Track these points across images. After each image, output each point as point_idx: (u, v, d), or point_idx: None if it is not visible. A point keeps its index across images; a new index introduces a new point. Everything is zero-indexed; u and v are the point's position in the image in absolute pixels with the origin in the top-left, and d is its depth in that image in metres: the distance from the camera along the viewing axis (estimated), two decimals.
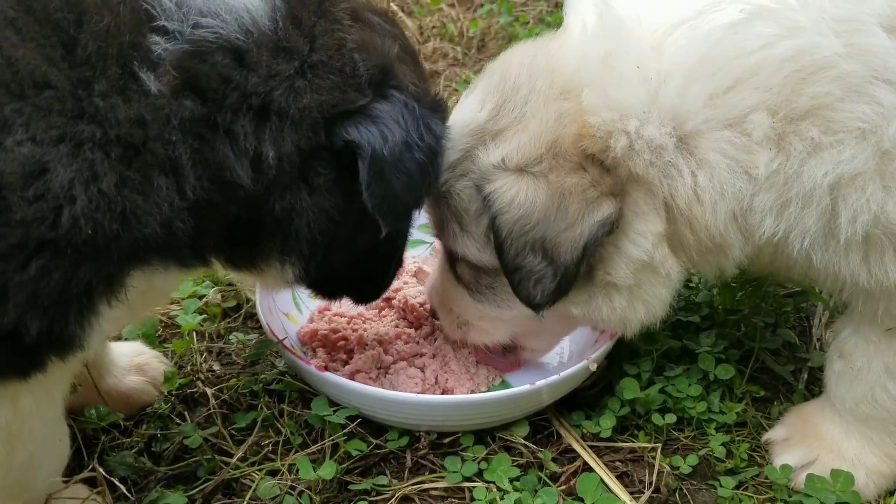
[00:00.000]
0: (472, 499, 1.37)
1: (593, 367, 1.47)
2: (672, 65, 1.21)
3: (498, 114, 1.34)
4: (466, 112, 1.37)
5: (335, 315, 1.71)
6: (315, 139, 1.14)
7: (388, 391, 1.44)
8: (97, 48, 0.99)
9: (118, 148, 0.99)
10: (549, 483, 1.41)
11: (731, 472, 1.46)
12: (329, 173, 1.18)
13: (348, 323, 1.68)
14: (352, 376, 1.54)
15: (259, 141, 1.10)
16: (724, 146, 1.19)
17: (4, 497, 1.20)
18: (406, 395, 1.43)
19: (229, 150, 1.09)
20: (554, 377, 1.42)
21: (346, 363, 1.60)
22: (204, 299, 1.79)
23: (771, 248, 1.27)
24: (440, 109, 1.30)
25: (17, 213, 0.94)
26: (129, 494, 1.35)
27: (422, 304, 1.68)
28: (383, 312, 1.74)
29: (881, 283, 1.21)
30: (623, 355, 1.59)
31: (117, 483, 1.31)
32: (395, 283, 1.77)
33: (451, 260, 1.49)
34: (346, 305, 1.77)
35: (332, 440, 1.40)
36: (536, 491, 1.38)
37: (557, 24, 3.13)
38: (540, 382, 1.41)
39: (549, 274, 1.29)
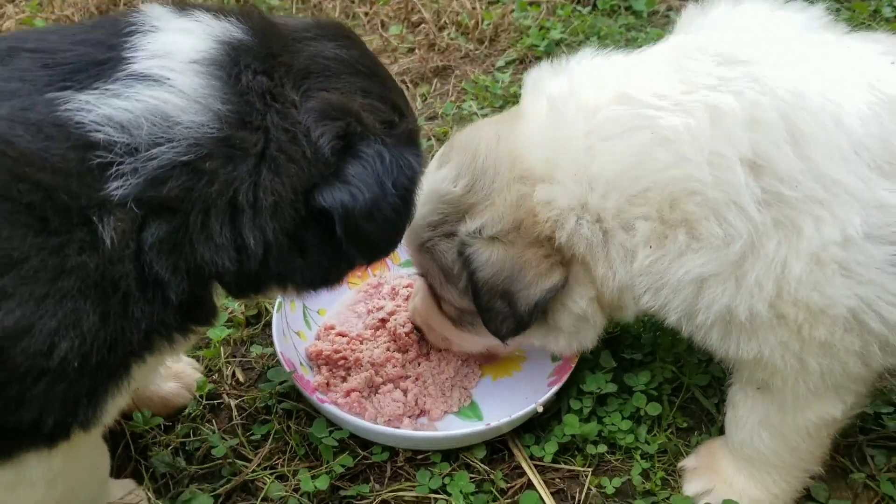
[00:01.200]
0: None
1: (540, 409, 1.81)
2: (600, 173, 1.50)
3: (471, 190, 1.64)
4: (443, 184, 1.67)
5: (338, 335, 2.04)
6: (297, 217, 1.29)
7: (371, 424, 1.79)
8: (64, 219, 1.15)
9: (96, 290, 1.17)
10: (499, 497, 1.77)
11: (647, 494, 1.80)
12: (317, 234, 1.34)
13: (348, 343, 2.02)
14: (348, 394, 1.89)
15: (237, 233, 1.26)
16: (619, 244, 1.51)
17: None
18: (384, 429, 1.78)
19: (208, 247, 1.25)
20: (506, 419, 1.76)
21: (344, 379, 1.95)
22: (230, 311, 2.14)
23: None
24: (413, 139, 1.43)
25: (17, 357, 1.16)
26: (166, 489, 1.74)
27: (408, 333, 2.01)
28: (378, 332, 2.07)
29: (736, 357, 1.53)
30: (571, 392, 1.92)
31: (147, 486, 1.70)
32: (389, 306, 2.10)
33: (436, 297, 1.82)
34: (346, 325, 2.11)
35: (328, 466, 1.77)
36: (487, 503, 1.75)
37: (567, 16, 3.31)
38: (494, 423, 1.76)
39: (511, 317, 1.63)
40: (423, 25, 3.34)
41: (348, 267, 1.49)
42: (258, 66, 1.30)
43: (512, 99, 2.93)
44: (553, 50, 3.21)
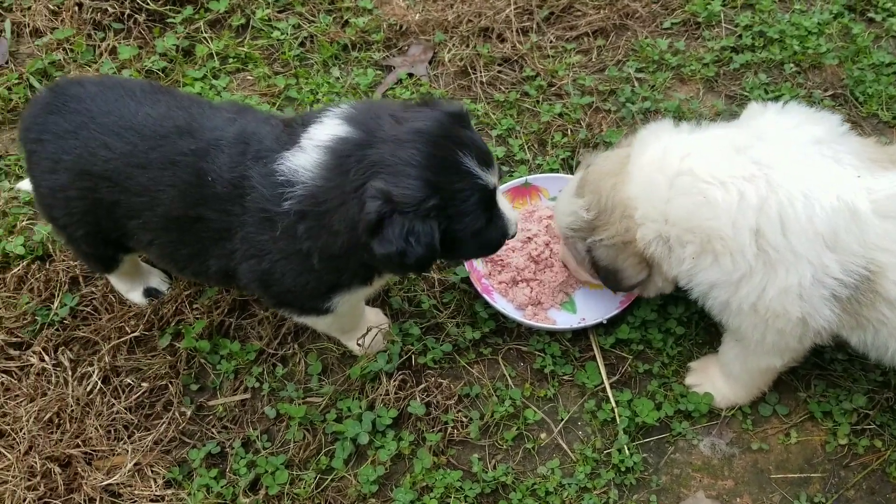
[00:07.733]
0: (536, 359, 3.12)
1: (605, 321, 3.06)
2: (672, 213, 2.53)
3: (597, 217, 2.74)
4: (580, 210, 2.75)
5: None
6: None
7: (506, 308, 3.13)
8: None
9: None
10: (574, 360, 3.11)
11: (662, 377, 3.06)
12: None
13: (504, 250, 3.30)
14: (501, 283, 3.22)
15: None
16: (677, 254, 2.58)
17: (341, 334, 3.04)
18: (514, 314, 3.12)
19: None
20: (583, 324, 3.06)
21: (500, 272, 3.26)
22: None
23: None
24: (430, 213, 2.21)
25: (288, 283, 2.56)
26: (395, 318, 3.22)
27: (539, 253, 3.27)
28: (524, 245, 3.32)
29: (726, 323, 2.67)
30: (630, 312, 3.15)
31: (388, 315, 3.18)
32: (534, 229, 3.35)
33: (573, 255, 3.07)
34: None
35: (481, 326, 3.16)
36: (566, 363, 3.09)
37: None
38: (574, 326, 3.06)
39: (616, 285, 2.87)
40: None
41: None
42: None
43: (665, 64, 3.86)
44: (712, 18, 4.00)
